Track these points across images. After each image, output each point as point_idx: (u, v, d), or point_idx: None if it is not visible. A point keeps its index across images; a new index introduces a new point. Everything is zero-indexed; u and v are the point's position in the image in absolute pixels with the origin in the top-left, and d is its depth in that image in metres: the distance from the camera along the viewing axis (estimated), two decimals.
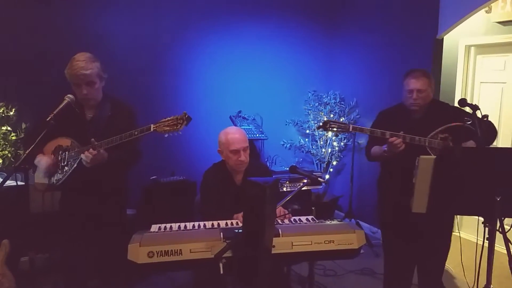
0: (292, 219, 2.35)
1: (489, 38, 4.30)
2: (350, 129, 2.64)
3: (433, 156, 1.97)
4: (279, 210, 2.40)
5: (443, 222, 2.72)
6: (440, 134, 2.55)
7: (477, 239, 2.12)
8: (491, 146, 2.77)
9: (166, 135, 2.15)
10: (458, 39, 4.52)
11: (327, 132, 4.90)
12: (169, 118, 2.13)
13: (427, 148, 2.54)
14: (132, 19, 4.26)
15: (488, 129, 2.54)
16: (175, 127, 2.11)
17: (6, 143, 3.47)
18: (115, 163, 2.34)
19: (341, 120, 4.91)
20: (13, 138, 3.50)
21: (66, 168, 2.34)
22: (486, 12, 4.25)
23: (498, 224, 1.98)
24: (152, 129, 2.16)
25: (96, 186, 2.37)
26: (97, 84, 2.34)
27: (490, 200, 1.92)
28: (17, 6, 3.79)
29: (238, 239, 1.84)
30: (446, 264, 2.83)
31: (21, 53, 3.81)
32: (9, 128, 3.50)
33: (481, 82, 4.53)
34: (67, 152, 2.35)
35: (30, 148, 2.17)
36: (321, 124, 2.68)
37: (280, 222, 2.27)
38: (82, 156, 2.21)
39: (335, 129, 2.64)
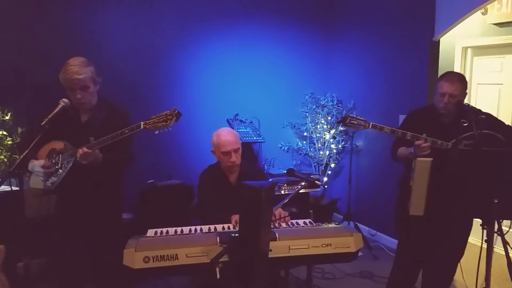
0: (289, 223, 2.34)
1: (486, 40, 4.31)
2: (370, 127, 2.56)
3: (430, 159, 1.96)
4: (279, 212, 2.40)
5: (464, 226, 2.63)
6: (465, 141, 2.44)
7: (479, 241, 2.11)
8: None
9: (157, 132, 2.14)
10: (454, 41, 4.53)
11: (331, 129, 4.87)
12: (158, 114, 2.13)
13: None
14: (129, 23, 4.25)
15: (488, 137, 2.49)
16: (165, 123, 2.10)
17: (2, 148, 3.45)
18: (108, 165, 2.34)
19: (336, 124, 4.89)
20: (9, 142, 3.48)
21: (60, 170, 2.33)
22: (482, 13, 4.26)
23: (497, 226, 1.98)
24: (142, 127, 2.16)
25: (91, 190, 2.36)
26: (91, 88, 2.34)
27: (488, 202, 1.91)
28: (13, 10, 3.78)
29: (235, 244, 1.82)
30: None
31: (17, 57, 3.80)
32: (4, 133, 3.48)
33: (478, 84, 4.53)
34: (60, 155, 2.34)
35: (25, 153, 2.16)
36: (341, 119, 2.63)
37: (279, 225, 2.26)
38: (79, 151, 2.20)
39: (355, 124, 2.57)
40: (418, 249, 2.71)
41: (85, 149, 2.19)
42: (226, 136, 2.60)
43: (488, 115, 2.53)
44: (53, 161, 2.35)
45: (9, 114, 3.52)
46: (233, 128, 4.29)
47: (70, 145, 2.32)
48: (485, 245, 2.03)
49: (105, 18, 4.15)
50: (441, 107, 2.55)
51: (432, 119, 2.62)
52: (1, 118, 3.49)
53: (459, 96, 2.53)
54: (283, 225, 2.29)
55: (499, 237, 2.02)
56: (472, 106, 2.52)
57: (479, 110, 2.39)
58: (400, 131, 2.51)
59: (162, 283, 3.43)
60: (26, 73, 3.81)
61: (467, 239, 2.68)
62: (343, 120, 2.59)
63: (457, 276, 2.77)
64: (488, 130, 2.27)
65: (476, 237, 2.27)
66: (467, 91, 2.60)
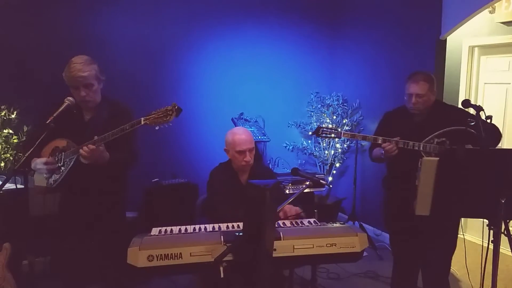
0: (294, 222, 2.33)
1: (493, 39, 4.27)
2: (342, 136, 2.75)
3: (436, 158, 1.93)
4: (290, 209, 2.38)
5: (449, 223, 2.70)
6: (437, 139, 2.55)
7: (485, 241, 2.09)
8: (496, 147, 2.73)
9: (157, 128, 2.14)
10: (461, 40, 4.49)
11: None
12: (158, 110, 2.13)
13: (422, 153, 2.55)
14: (133, 22, 4.26)
15: (491, 132, 2.50)
16: (165, 119, 2.10)
17: (8, 146, 3.47)
18: (113, 165, 2.33)
19: (344, 121, 4.88)
20: (15, 141, 3.50)
21: (62, 168, 2.34)
22: (490, 12, 4.22)
23: (504, 227, 1.95)
24: (142, 122, 2.15)
25: (94, 188, 2.36)
26: (95, 86, 2.34)
27: (495, 202, 1.89)
28: (18, 9, 3.80)
29: (239, 243, 1.82)
30: (451, 267, 2.80)
31: (22, 56, 3.82)
32: (10, 131, 3.50)
33: (485, 83, 4.49)
34: (63, 153, 2.35)
35: (30, 151, 2.16)
36: (314, 130, 2.77)
37: (295, 223, 2.25)
38: (80, 151, 2.19)
39: (328, 134, 2.73)
40: (408, 246, 2.77)
41: (90, 146, 2.18)
42: (241, 135, 2.58)
43: (458, 109, 2.72)
44: (56, 158, 2.35)
45: (15, 112, 3.54)
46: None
47: (73, 143, 2.33)
48: (491, 246, 2.00)
49: (109, 17, 4.15)
50: (411, 108, 2.64)
51: (405, 118, 2.72)
52: (7, 117, 3.51)
53: (426, 95, 2.60)
54: (288, 223, 2.27)
55: (504, 237, 2.00)
56: (475, 104, 2.49)
57: (481, 107, 2.35)
58: (372, 136, 2.64)
59: (166, 281, 3.43)
60: (32, 72, 3.83)
61: (457, 233, 2.75)
62: (316, 132, 2.74)
63: (463, 277, 2.75)
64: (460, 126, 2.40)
65: (482, 237, 2.25)
66: (435, 89, 2.66)
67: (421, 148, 2.55)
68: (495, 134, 2.62)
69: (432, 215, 1.98)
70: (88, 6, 4.05)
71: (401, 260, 2.88)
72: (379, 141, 2.59)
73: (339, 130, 2.73)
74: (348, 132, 2.75)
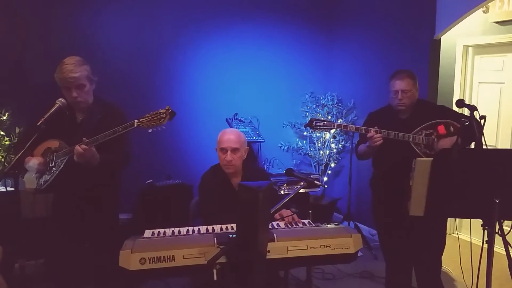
0: (288, 223, 2.31)
1: (487, 38, 4.28)
2: (335, 127, 2.79)
3: (430, 159, 1.93)
4: (284, 212, 2.37)
5: (436, 221, 2.76)
6: (425, 131, 2.67)
7: (480, 241, 2.09)
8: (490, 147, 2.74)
9: (150, 131, 2.13)
10: (455, 40, 4.50)
11: (324, 134, 4.87)
12: (152, 113, 2.11)
13: (411, 143, 2.66)
14: (127, 22, 4.23)
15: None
16: (158, 122, 2.09)
17: (0, 148, 3.44)
18: (105, 166, 2.31)
19: (339, 121, 4.88)
20: (7, 143, 3.47)
21: (53, 169, 2.32)
22: (484, 12, 4.22)
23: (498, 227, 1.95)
24: (135, 125, 2.14)
25: (85, 190, 2.34)
26: (86, 87, 2.33)
27: (489, 202, 1.88)
28: (10, 11, 3.76)
29: (232, 245, 1.80)
30: (445, 267, 2.83)
31: (14, 57, 3.78)
32: (2, 133, 3.46)
33: (479, 83, 4.50)
34: (55, 154, 2.33)
35: (21, 153, 2.14)
36: (307, 123, 2.78)
37: (290, 224, 2.24)
38: (77, 147, 2.17)
39: (321, 126, 2.73)
40: (397, 245, 2.82)
41: (83, 146, 2.16)
42: (229, 134, 2.59)
43: (439, 106, 2.88)
44: (47, 159, 2.33)
45: (7, 114, 3.51)
46: (231, 127, 4.27)
47: (65, 144, 2.31)
48: (486, 245, 2.00)
49: (102, 18, 4.12)
50: (397, 104, 2.72)
51: (390, 117, 2.79)
52: None
53: (411, 90, 2.69)
54: (282, 225, 2.26)
55: (498, 237, 1.99)
56: (469, 104, 2.49)
57: (475, 107, 2.37)
58: (364, 128, 2.68)
59: (160, 284, 3.41)
60: (24, 73, 3.79)
61: (445, 229, 2.83)
62: (310, 124, 2.74)
63: (458, 276, 2.75)
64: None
65: (476, 237, 2.24)
66: (417, 86, 2.76)
67: (410, 139, 2.64)
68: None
69: (425, 215, 1.97)
70: (82, 7, 4.02)
71: (392, 259, 2.91)
72: (371, 132, 2.62)
73: (332, 122, 2.74)
74: (341, 124, 2.79)
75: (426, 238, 2.73)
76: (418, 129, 2.66)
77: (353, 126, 2.76)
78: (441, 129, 2.65)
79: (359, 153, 2.92)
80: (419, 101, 2.80)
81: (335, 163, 5.02)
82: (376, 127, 2.63)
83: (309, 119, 4.84)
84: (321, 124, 2.73)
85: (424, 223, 2.62)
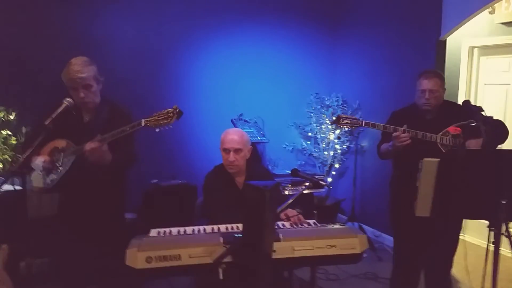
0: (293, 223, 2.31)
1: (493, 39, 4.26)
2: (363, 124, 2.66)
3: (437, 159, 1.93)
4: (290, 212, 2.37)
5: (454, 223, 2.72)
6: (452, 132, 2.58)
7: (487, 243, 2.08)
8: (499, 147, 2.73)
9: (157, 130, 2.13)
10: (461, 41, 4.49)
11: (336, 130, 4.84)
12: (159, 112, 2.12)
13: (439, 144, 2.58)
14: (133, 23, 4.25)
15: (496, 128, 2.51)
16: (166, 121, 2.09)
17: (6, 148, 3.46)
18: (112, 166, 2.32)
19: (329, 124, 4.87)
20: (14, 142, 3.48)
21: (60, 168, 2.33)
22: (490, 13, 4.21)
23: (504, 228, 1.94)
24: (143, 124, 2.14)
25: (92, 189, 2.35)
26: (94, 87, 2.34)
27: (495, 203, 1.88)
28: (16, 11, 3.79)
29: (238, 244, 1.80)
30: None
31: (21, 57, 3.80)
32: (9, 132, 3.48)
33: (485, 84, 4.49)
34: (62, 153, 2.34)
35: (28, 153, 2.15)
36: (334, 119, 2.72)
37: (295, 224, 2.24)
38: (86, 145, 2.18)
39: (348, 123, 2.66)
40: (414, 248, 2.76)
41: (96, 143, 2.17)
42: (232, 134, 2.57)
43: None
44: (54, 158, 2.34)
45: (14, 113, 3.53)
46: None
47: (72, 144, 2.32)
48: (491, 247, 1.99)
49: (109, 18, 4.15)
50: (423, 103, 2.66)
51: (415, 117, 2.72)
52: (6, 118, 3.50)
53: (438, 90, 2.65)
54: (287, 225, 2.26)
55: (505, 239, 1.99)
56: (475, 105, 2.49)
57: (481, 108, 2.37)
58: (393, 127, 2.60)
59: (164, 283, 3.42)
60: (31, 73, 3.82)
61: (460, 232, 2.77)
62: (337, 121, 2.67)
63: (463, 278, 2.74)
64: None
65: (482, 238, 2.23)
66: (445, 86, 2.71)
67: (438, 140, 2.57)
68: (501, 129, 2.64)
69: (434, 216, 1.97)
70: (88, 7, 4.04)
71: (404, 262, 2.85)
72: (399, 132, 2.55)
73: (359, 119, 2.67)
74: (369, 122, 2.66)
75: (441, 240, 2.69)
76: (445, 130, 2.59)
77: (381, 124, 2.66)
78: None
79: (381, 152, 2.85)
80: (445, 102, 2.75)
81: (339, 164, 5.01)
82: (405, 125, 2.55)
83: (313, 120, 4.93)
84: (348, 121, 2.66)
85: (442, 226, 2.60)
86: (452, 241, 2.74)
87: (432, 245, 2.70)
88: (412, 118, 2.70)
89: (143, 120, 2.15)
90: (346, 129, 4.79)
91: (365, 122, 2.66)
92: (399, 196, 2.84)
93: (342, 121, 2.66)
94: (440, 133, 2.58)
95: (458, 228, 2.75)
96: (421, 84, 2.66)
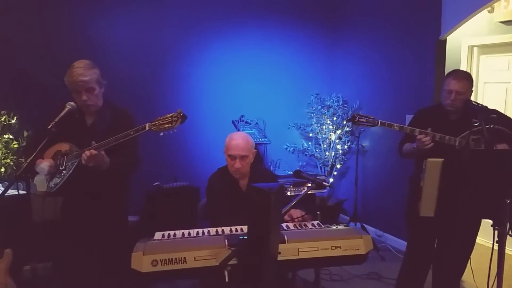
0: (297, 225, 2.32)
1: (492, 38, 4.27)
2: (379, 124, 2.64)
3: (441, 159, 1.93)
4: (295, 212, 2.37)
5: (472, 225, 2.67)
6: (472, 135, 2.52)
7: (492, 243, 2.08)
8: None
9: (161, 134, 2.14)
10: (461, 40, 4.50)
11: (337, 130, 4.84)
12: (164, 116, 2.12)
13: (457, 148, 2.53)
14: (133, 25, 4.25)
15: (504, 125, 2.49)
16: (170, 125, 2.09)
17: (8, 152, 3.46)
18: (115, 169, 2.33)
19: (344, 123, 4.88)
20: (15, 146, 3.48)
21: (64, 172, 2.33)
22: (489, 12, 4.22)
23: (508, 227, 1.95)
24: (147, 128, 2.15)
25: (96, 192, 2.35)
26: (96, 90, 2.34)
27: (500, 202, 1.88)
28: (18, 14, 3.79)
29: (243, 246, 1.81)
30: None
31: (23, 61, 3.80)
32: (11, 136, 3.48)
33: (485, 83, 4.50)
34: (65, 157, 2.34)
35: (32, 157, 2.15)
36: (349, 117, 2.69)
37: (301, 226, 2.24)
38: (83, 155, 2.19)
39: (364, 122, 2.65)
40: (428, 248, 2.74)
41: (92, 151, 2.18)
42: (237, 140, 2.53)
43: (496, 112, 2.59)
44: (58, 162, 2.34)
45: (15, 117, 3.53)
46: (238, 130, 4.28)
47: (76, 148, 2.32)
48: (496, 246, 2.00)
49: (110, 21, 4.15)
50: (448, 104, 2.62)
51: (439, 117, 2.68)
52: (7, 122, 3.49)
53: (466, 93, 2.60)
54: (291, 226, 2.26)
55: (509, 238, 1.99)
56: (481, 104, 2.49)
57: (487, 108, 2.38)
58: (409, 128, 2.58)
59: (168, 286, 3.41)
60: (32, 77, 3.81)
61: (476, 236, 2.70)
62: (352, 119, 2.66)
63: (468, 277, 2.74)
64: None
65: (487, 238, 2.24)
66: (473, 88, 2.66)
67: (456, 143, 2.53)
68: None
69: (442, 216, 1.97)
70: (89, 11, 4.04)
71: (415, 260, 2.83)
72: (416, 133, 2.55)
73: (375, 119, 2.65)
74: (385, 121, 2.63)
75: (455, 241, 2.65)
76: (466, 133, 2.52)
77: (397, 125, 2.62)
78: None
79: (404, 152, 2.81)
80: (469, 102, 2.66)
81: (341, 164, 5.02)
82: (429, 129, 2.52)
83: (314, 120, 4.93)
84: (364, 120, 2.64)
85: (461, 227, 2.56)
86: (467, 244, 2.67)
87: (446, 247, 2.66)
88: (436, 118, 2.67)
89: (147, 125, 2.15)
90: (347, 129, 4.87)
91: (381, 121, 2.64)
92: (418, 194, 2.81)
93: (358, 119, 2.64)
94: (459, 136, 2.53)
95: (475, 231, 2.68)
96: (449, 83, 2.60)
